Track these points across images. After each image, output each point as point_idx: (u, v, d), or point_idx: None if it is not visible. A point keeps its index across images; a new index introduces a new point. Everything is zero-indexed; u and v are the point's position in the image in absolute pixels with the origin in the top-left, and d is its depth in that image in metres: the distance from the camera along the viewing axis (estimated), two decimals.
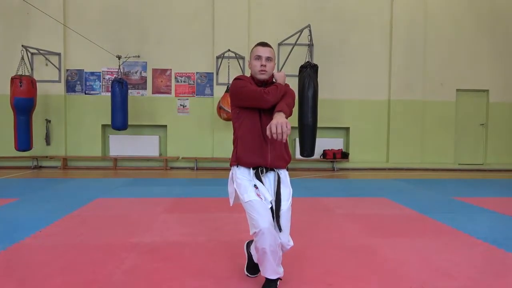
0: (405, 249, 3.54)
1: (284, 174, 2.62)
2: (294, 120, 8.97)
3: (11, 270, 2.94)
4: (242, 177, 2.53)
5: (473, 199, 5.98)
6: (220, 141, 9.80)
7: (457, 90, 10.57)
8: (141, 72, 10.05)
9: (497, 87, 10.64)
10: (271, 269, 2.44)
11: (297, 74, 8.63)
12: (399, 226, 4.40)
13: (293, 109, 2.58)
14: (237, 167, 2.57)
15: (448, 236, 3.99)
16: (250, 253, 2.81)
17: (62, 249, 3.41)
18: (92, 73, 9.98)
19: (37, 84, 8.91)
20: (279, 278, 2.54)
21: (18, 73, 8.61)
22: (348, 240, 3.83)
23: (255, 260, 2.64)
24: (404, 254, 3.40)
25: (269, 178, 2.57)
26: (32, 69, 9.51)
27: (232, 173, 2.61)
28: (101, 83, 10.00)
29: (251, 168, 2.54)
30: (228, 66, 9.63)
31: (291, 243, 2.61)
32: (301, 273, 2.94)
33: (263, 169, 2.53)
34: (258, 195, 2.44)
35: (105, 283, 2.72)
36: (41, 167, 9.79)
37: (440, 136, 10.52)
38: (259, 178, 2.52)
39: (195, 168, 9.90)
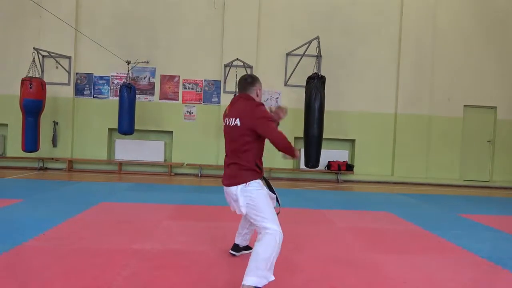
0: (408, 266, 3.51)
1: None
2: (299, 131, 8.99)
3: (13, 272, 2.94)
4: (262, 185, 2.94)
5: (478, 217, 5.91)
6: None
7: (465, 105, 10.52)
8: (149, 78, 10.13)
9: (505, 104, 10.57)
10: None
11: (304, 84, 8.66)
12: (402, 242, 4.36)
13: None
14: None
15: (452, 254, 3.94)
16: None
17: (64, 253, 3.41)
18: (101, 77, 10.08)
19: (47, 86, 9.01)
20: None
21: (29, 75, 8.72)
22: (350, 254, 3.80)
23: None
24: (406, 271, 3.36)
25: None
26: (42, 71, 9.63)
27: (256, 185, 2.90)
28: (109, 87, 10.09)
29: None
30: (236, 74, 9.65)
31: None
32: None
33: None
34: None
35: None
36: (46, 168, 9.86)
37: (446, 152, 10.44)
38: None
39: (199, 175, 9.90)
